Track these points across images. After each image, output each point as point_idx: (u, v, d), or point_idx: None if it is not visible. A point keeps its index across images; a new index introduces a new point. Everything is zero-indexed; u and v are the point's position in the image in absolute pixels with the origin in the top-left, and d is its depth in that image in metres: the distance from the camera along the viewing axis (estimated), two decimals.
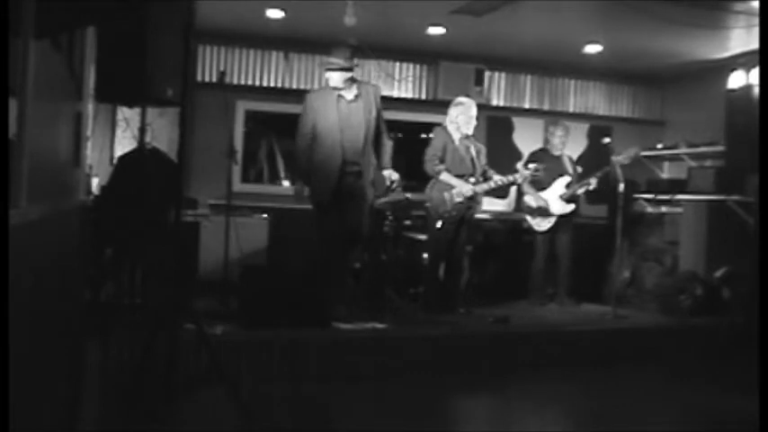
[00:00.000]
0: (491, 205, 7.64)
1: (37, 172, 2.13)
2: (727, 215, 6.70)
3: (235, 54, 7.39)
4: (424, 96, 7.91)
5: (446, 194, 5.66)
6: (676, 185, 7.36)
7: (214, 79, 7.19)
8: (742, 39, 6.46)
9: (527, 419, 4.28)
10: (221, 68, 7.02)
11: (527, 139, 7.84)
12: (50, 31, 2.33)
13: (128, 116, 6.14)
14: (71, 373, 3.71)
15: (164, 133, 6.49)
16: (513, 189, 7.52)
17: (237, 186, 6.66)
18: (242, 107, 7.39)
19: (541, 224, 6.47)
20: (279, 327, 4.72)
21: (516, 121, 8.14)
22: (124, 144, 6.64)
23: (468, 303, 5.91)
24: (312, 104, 5.27)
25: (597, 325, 5.85)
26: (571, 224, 6.50)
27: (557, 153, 6.58)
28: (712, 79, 7.41)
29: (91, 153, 5.54)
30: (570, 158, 6.69)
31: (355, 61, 5.28)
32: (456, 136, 5.79)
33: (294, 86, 7.45)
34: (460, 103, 5.83)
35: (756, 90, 6.47)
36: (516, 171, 5.90)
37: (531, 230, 6.59)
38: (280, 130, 7.65)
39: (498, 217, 7.64)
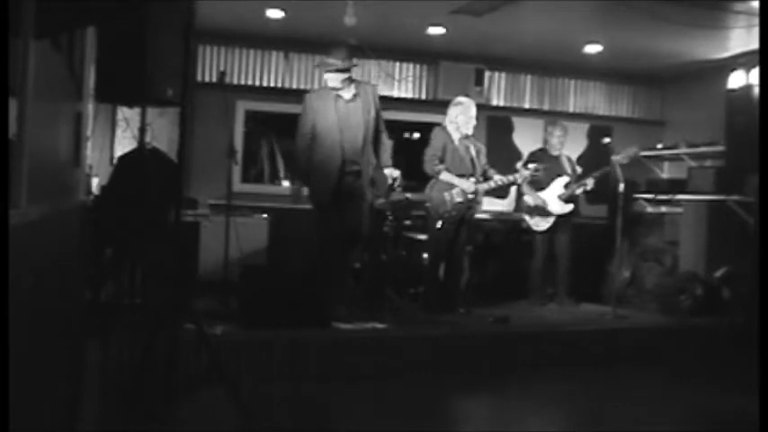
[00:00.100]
0: (491, 205, 7.64)
1: (37, 172, 2.13)
2: (727, 215, 6.70)
3: (235, 54, 7.39)
4: (424, 96, 7.91)
5: (446, 194, 5.66)
6: (676, 185, 7.36)
7: (214, 79, 7.19)
8: (742, 39, 6.46)
9: (527, 419, 4.28)
10: (221, 68, 7.02)
11: (527, 139, 7.84)
12: (50, 31, 2.33)
13: (128, 116, 6.14)
14: (71, 373, 3.71)
15: (164, 133, 6.49)
16: (514, 189, 7.52)
17: (237, 186, 6.66)
18: (242, 107, 7.39)
19: (540, 224, 6.47)
20: (279, 327, 4.72)
21: (516, 121, 8.14)
22: (124, 144, 6.64)
23: (468, 303, 5.91)
24: (311, 105, 5.28)
25: (597, 325, 5.85)
26: (570, 224, 6.50)
27: (555, 153, 6.58)
28: (712, 79, 7.41)
29: (91, 153, 5.54)
30: (569, 158, 6.69)
31: (353, 61, 5.29)
32: (456, 136, 5.79)
33: (294, 86, 7.45)
34: (460, 103, 5.83)
35: (756, 90, 6.47)
36: (516, 171, 5.90)
37: (530, 230, 6.59)
38: (280, 130, 7.65)
39: (498, 217, 7.64)
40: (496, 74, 8.13)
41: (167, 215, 5.02)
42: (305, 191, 5.41)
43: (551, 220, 6.43)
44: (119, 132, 6.86)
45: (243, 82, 7.39)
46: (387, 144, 5.48)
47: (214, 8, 5.88)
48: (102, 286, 5.24)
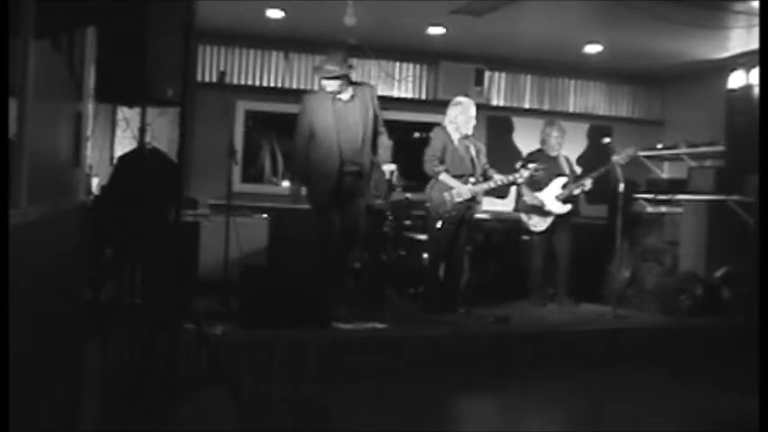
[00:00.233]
0: (491, 205, 7.64)
1: (37, 172, 2.12)
2: (728, 215, 6.70)
3: (235, 54, 7.39)
4: (424, 96, 7.91)
5: (446, 195, 5.66)
6: (676, 185, 7.36)
7: (214, 79, 7.19)
8: (742, 39, 6.46)
9: (527, 419, 4.28)
10: (221, 68, 7.02)
11: (527, 139, 7.83)
12: (50, 31, 2.33)
13: (128, 116, 6.14)
14: (71, 373, 3.71)
15: (164, 133, 6.49)
16: (514, 189, 7.52)
17: (237, 186, 6.67)
18: (242, 107, 7.39)
19: (539, 224, 6.47)
20: (279, 327, 4.72)
21: (516, 121, 8.14)
22: (124, 144, 6.64)
23: (468, 303, 5.91)
24: (309, 105, 5.33)
25: (597, 325, 5.84)
26: (569, 224, 6.50)
27: (553, 153, 6.57)
28: (712, 79, 7.41)
29: (91, 153, 5.54)
30: (567, 159, 6.68)
31: (350, 65, 5.33)
32: (455, 136, 5.79)
33: (294, 86, 7.45)
34: (459, 103, 5.83)
35: (756, 90, 6.47)
36: (516, 171, 5.90)
37: (530, 231, 6.59)
38: (280, 130, 7.66)
39: (498, 217, 7.64)
40: (496, 74, 8.12)
41: (167, 215, 5.02)
42: (303, 191, 5.42)
43: (550, 220, 6.43)
44: (119, 132, 6.86)
45: (243, 82, 7.39)
46: (386, 144, 5.49)
47: (214, 8, 5.88)
48: (102, 286, 5.24)
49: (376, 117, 5.41)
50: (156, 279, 5.04)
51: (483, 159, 5.91)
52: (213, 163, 6.56)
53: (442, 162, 5.71)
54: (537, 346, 5.29)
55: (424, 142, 5.91)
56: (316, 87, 7.03)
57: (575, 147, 8.01)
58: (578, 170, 6.88)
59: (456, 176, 5.70)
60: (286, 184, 7.65)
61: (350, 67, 5.32)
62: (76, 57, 3.46)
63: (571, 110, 8.39)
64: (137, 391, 3.48)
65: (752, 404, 3.34)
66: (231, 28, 7.00)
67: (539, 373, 5.06)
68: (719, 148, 6.97)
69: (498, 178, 5.80)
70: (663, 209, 7.81)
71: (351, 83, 5.35)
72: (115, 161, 6.31)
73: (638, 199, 7.80)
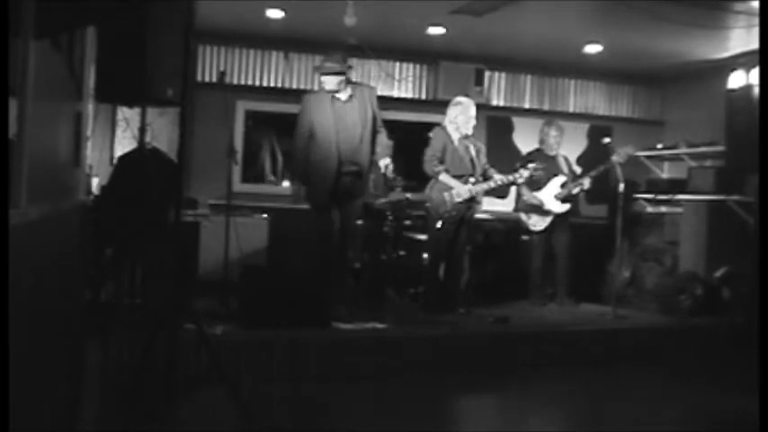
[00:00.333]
0: (491, 205, 7.64)
1: (37, 172, 2.12)
2: (728, 215, 6.70)
3: (235, 54, 7.39)
4: (424, 96, 7.91)
5: (446, 195, 5.66)
6: (676, 185, 7.36)
7: (214, 79, 7.19)
8: (742, 39, 6.46)
9: (527, 419, 4.28)
10: (221, 68, 7.02)
11: (527, 139, 7.83)
12: (50, 31, 2.33)
13: (128, 116, 6.13)
14: (71, 373, 3.71)
15: (164, 133, 6.49)
16: (514, 189, 7.51)
17: (237, 186, 6.66)
18: (242, 107, 7.39)
19: (538, 224, 6.47)
20: (279, 327, 4.72)
21: (516, 121, 8.14)
22: (124, 144, 6.64)
23: (468, 303, 5.91)
24: (308, 105, 5.37)
25: (597, 325, 5.84)
26: (568, 224, 6.49)
27: (552, 153, 6.57)
28: (712, 79, 7.41)
29: (91, 153, 5.54)
30: (565, 158, 6.68)
31: (349, 64, 5.36)
32: (455, 136, 5.79)
33: (294, 86, 7.45)
34: (459, 103, 5.83)
35: (756, 90, 6.47)
36: (516, 171, 5.89)
37: (530, 230, 6.59)
38: (280, 130, 7.65)
39: (498, 217, 7.64)
40: (496, 74, 8.12)
41: (167, 215, 5.02)
42: (304, 190, 5.43)
43: (549, 219, 6.43)
44: (119, 132, 6.86)
45: (243, 82, 7.39)
46: (384, 142, 5.49)
47: (214, 8, 5.88)
48: (102, 286, 5.24)
49: (375, 117, 5.42)
50: (156, 279, 5.04)
51: (483, 159, 5.91)
52: (213, 163, 6.56)
53: (441, 162, 5.71)
54: (537, 346, 5.29)
55: (424, 142, 5.91)
56: (316, 87, 7.04)
57: (575, 147, 8.01)
58: (578, 170, 6.87)
59: (456, 176, 5.70)
60: (286, 184, 7.65)
61: (349, 66, 5.35)
62: (76, 57, 3.46)
63: (571, 110, 8.39)
64: (137, 391, 3.48)
65: (752, 404, 3.34)
66: (231, 28, 7.00)
67: (539, 373, 5.06)
68: (719, 148, 6.97)
69: (498, 178, 5.80)
70: (663, 209, 7.81)
71: (349, 82, 5.38)
72: (115, 161, 6.31)
73: (638, 199, 7.80)
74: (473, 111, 5.80)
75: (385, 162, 5.37)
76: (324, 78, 5.30)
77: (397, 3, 5.91)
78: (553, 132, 6.57)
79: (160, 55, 3.42)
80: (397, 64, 7.83)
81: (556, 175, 6.47)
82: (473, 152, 5.81)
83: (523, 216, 6.54)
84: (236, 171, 6.82)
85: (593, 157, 7.55)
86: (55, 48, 2.59)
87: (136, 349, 3.81)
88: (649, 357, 5.55)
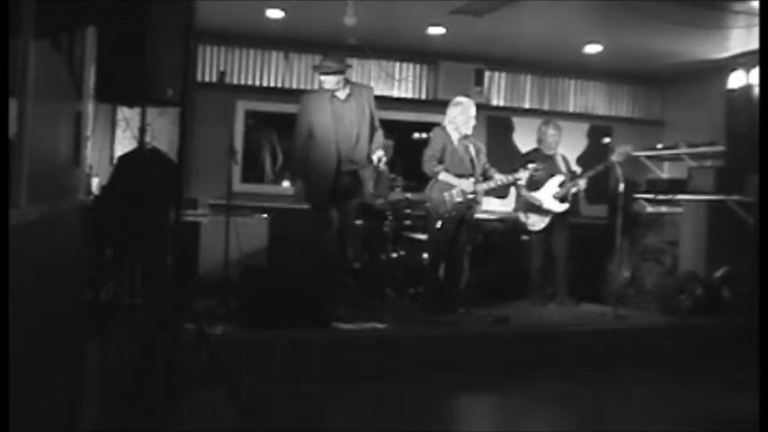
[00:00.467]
0: (491, 205, 7.64)
1: (37, 172, 2.12)
2: (728, 215, 6.70)
3: (235, 54, 7.39)
4: (424, 96, 7.91)
5: (446, 194, 5.66)
6: (676, 185, 7.36)
7: (214, 79, 7.19)
8: (742, 39, 6.46)
9: (527, 419, 4.29)
10: (221, 68, 7.03)
11: (527, 138, 7.83)
12: (50, 31, 2.33)
13: (128, 116, 6.14)
14: (71, 373, 3.71)
15: (164, 133, 6.49)
16: (513, 189, 7.52)
17: (237, 186, 6.67)
18: (242, 107, 7.39)
19: (537, 224, 6.46)
20: (279, 327, 4.72)
21: (516, 121, 8.14)
22: (124, 144, 6.65)
23: (468, 303, 5.91)
24: (307, 105, 5.40)
25: (597, 325, 5.84)
26: (567, 223, 6.49)
27: (550, 152, 6.56)
28: (712, 79, 7.42)
29: (91, 153, 5.54)
30: (564, 158, 6.67)
31: (348, 63, 5.38)
32: (455, 136, 5.78)
33: (294, 86, 7.46)
34: (459, 103, 5.82)
35: (756, 90, 6.47)
36: (516, 171, 5.89)
37: (529, 230, 6.59)
38: (280, 130, 7.66)
39: (498, 217, 7.64)
40: (496, 74, 8.13)
41: (167, 215, 5.02)
42: (305, 190, 5.44)
43: (547, 219, 6.42)
44: (119, 132, 6.86)
45: (243, 82, 7.40)
46: (380, 139, 5.48)
47: (214, 8, 5.88)
48: (102, 286, 5.24)
49: (372, 117, 5.44)
50: (156, 279, 5.04)
51: (483, 159, 5.91)
52: (213, 163, 6.56)
53: (441, 162, 5.71)
54: (537, 346, 5.29)
55: (423, 142, 5.91)
56: (316, 87, 7.05)
57: (575, 147, 8.01)
58: (578, 170, 6.87)
59: (456, 176, 5.69)
60: (286, 184, 7.66)
61: (348, 66, 5.37)
62: (76, 57, 3.46)
63: (571, 110, 8.39)
64: (137, 391, 3.48)
65: (752, 404, 3.34)
66: (231, 28, 7.00)
67: (539, 373, 5.06)
68: (719, 148, 6.97)
69: (499, 178, 5.80)
70: (663, 209, 7.81)
71: (348, 82, 5.39)
72: (115, 161, 6.31)
73: (638, 199, 7.80)
74: (473, 111, 5.80)
75: (378, 155, 5.35)
76: (323, 78, 5.32)
77: (397, 3, 5.91)
78: (551, 132, 6.56)
79: (160, 55, 3.42)
80: (397, 64, 7.83)
81: (554, 174, 6.46)
82: (473, 152, 5.80)
83: (522, 216, 6.54)
84: (236, 171, 6.82)
85: (594, 157, 7.56)
86: (55, 48, 2.59)
87: (136, 349, 3.81)
88: (649, 357, 5.55)
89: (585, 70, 8.19)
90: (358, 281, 6.10)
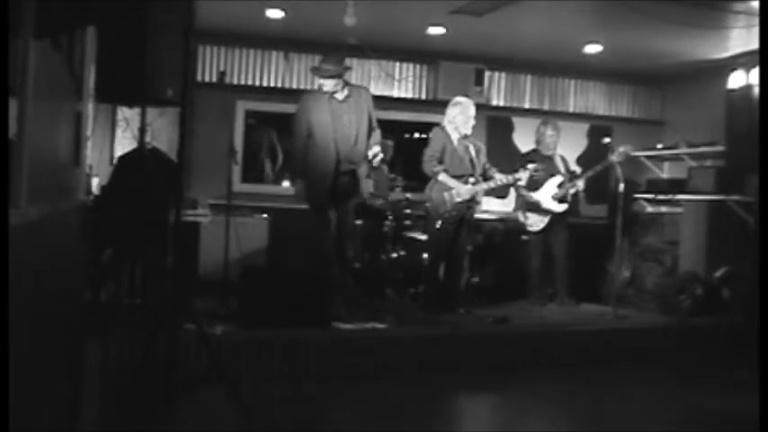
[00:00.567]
0: (491, 205, 7.64)
1: (37, 172, 2.12)
2: (728, 215, 6.70)
3: (235, 54, 7.39)
4: (424, 96, 7.91)
5: (446, 195, 5.66)
6: (676, 185, 7.35)
7: (214, 79, 7.19)
8: (742, 39, 6.46)
9: (527, 419, 4.28)
10: (221, 68, 7.03)
11: (527, 138, 7.83)
12: (50, 31, 2.33)
13: (128, 116, 6.14)
14: (71, 373, 3.71)
15: (164, 133, 6.49)
16: (513, 189, 7.52)
17: (237, 186, 6.66)
18: (242, 107, 7.39)
19: (536, 224, 6.46)
20: (279, 327, 4.72)
21: (516, 121, 8.14)
22: (124, 144, 6.65)
23: (468, 303, 5.91)
24: (306, 105, 5.40)
25: (597, 325, 5.84)
26: (566, 223, 6.49)
27: (549, 153, 6.55)
28: (712, 79, 7.42)
29: (91, 153, 5.54)
30: (563, 158, 6.67)
31: (347, 65, 5.39)
32: (455, 136, 5.78)
33: (294, 86, 7.46)
34: (458, 103, 5.82)
35: (756, 90, 6.47)
36: (516, 171, 5.88)
37: (529, 230, 6.59)
38: (280, 130, 7.66)
39: (498, 217, 7.64)
40: (496, 74, 8.13)
41: (167, 215, 5.02)
42: (305, 189, 5.44)
43: (547, 219, 6.42)
44: (119, 132, 6.86)
45: (243, 82, 7.40)
46: (377, 136, 5.48)
47: (214, 8, 5.87)
48: (102, 286, 5.24)
49: (370, 118, 5.44)
50: (156, 279, 5.04)
51: (483, 159, 5.91)
52: (213, 163, 6.56)
53: (441, 162, 5.71)
54: (537, 346, 5.29)
55: (423, 142, 5.91)
56: (316, 86, 7.06)
57: (575, 147, 8.02)
58: (578, 170, 6.87)
59: (456, 176, 5.69)
60: (286, 183, 7.66)
61: (346, 67, 5.37)
62: (76, 57, 3.46)
63: (571, 110, 8.39)
64: (137, 391, 3.48)
65: (752, 404, 3.34)
66: (231, 28, 7.00)
67: (539, 373, 5.06)
68: (719, 148, 6.97)
69: (499, 178, 5.80)
70: (663, 209, 7.81)
71: (346, 83, 5.40)
72: (115, 161, 6.31)
73: (638, 199, 7.80)
74: (472, 111, 5.80)
75: (374, 151, 5.34)
76: (321, 81, 5.33)
77: (397, 3, 5.91)
78: (549, 132, 6.56)
79: (160, 55, 3.42)
80: (397, 64, 7.83)
81: (553, 175, 6.46)
82: (473, 152, 5.80)
83: (521, 216, 6.54)
84: (236, 171, 6.82)
85: (594, 157, 7.57)
86: (55, 48, 2.59)
87: (136, 349, 3.81)
88: (649, 357, 5.55)
89: (585, 70, 8.19)
90: (358, 281, 6.10)
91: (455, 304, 5.83)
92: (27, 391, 2.00)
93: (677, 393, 4.81)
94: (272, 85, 7.50)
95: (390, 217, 6.31)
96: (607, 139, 6.69)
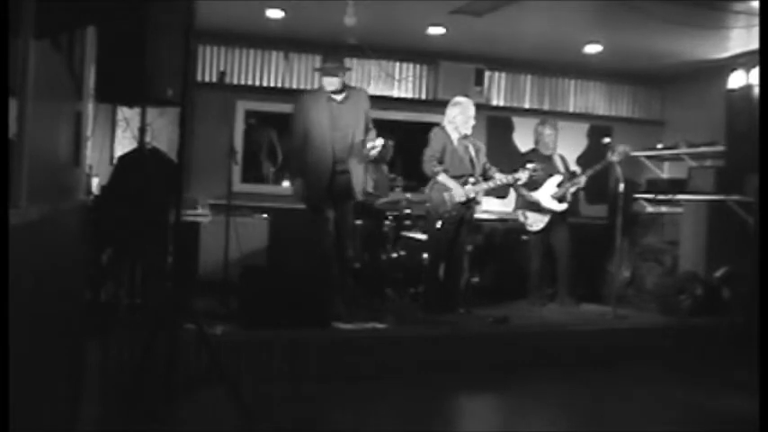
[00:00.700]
0: (491, 205, 7.64)
1: (37, 172, 2.12)
2: (728, 215, 6.70)
3: (235, 54, 7.39)
4: (424, 96, 7.91)
5: (446, 195, 5.66)
6: (676, 185, 7.36)
7: (214, 79, 7.19)
8: (742, 39, 6.46)
9: (527, 419, 4.28)
10: (221, 68, 7.03)
11: (527, 138, 7.83)
12: (50, 31, 2.33)
13: (128, 116, 6.14)
14: (71, 373, 3.71)
15: (164, 133, 6.49)
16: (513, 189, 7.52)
17: (237, 186, 6.66)
18: (242, 107, 7.39)
19: (535, 224, 6.46)
20: (279, 327, 4.72)
21: (516, 121, 8.14)
22: (124, 144, 6.65)
23: (468, 303, 5.91)
24: (305, 104, 5.40)
25: (597, 325, 5.84)
26: (566, 223, 6.49)
27: (548, 152, 6.55)
28: (712, 79, 7.42)
29: (91, 153, 5.54)
30: (562, 157, 6.67)
31: (347, 66, 5.38)
32: (454, 136, 5.78)
33: (294, 86, 7.46)
34: (458, 103, 5.82)
35: (756, 90, 6.47)
36: (516, 171, 5.88)
37: (529, 230, 6.59)
38: (280, 130, 7.66)
39: (498, 217, 7.64)
40: (496, 74, 8.13)
41: (167, 215, 5.02)
42: (304, 188, 5.44)
43: (546, 219, 6.42)
44: (119, 132, 6.87)
45: (243, 82, 7.40)
46: (373, 135, 5.47)
47: (214, 8, 5.88)
48: (102, 286, 5.24)
49: (367, 120, 5.45)
50: (156, 279, 5.04)
51: (483, 159, 5.91)
52: (213, 163, 6.56)
53: (441, 162, 5.71)
54: (537, 346, 5.29)
55: (423, 142, 5.91)
56: (316, 86, 7.05)
57: (575, 147, 8.02)
58: (578, 170, 6.87)
59: (456, 176, 5.69)
60: (286, 183, 7.66)
61: (348, 68, 5.38)
62: (76, 57, 3.46)
63: (571, 110, 8.39)
64: (137, 391, 3.48)
65: (752, 404, 3.34)
66: (231, 28, 7.00)
67: (539, 373, 5.06)
68: (719, 148, 6.97)
69: (499, 178, 5.80)
70: (663, 209, 7.81)
71: (345, 85, 5.41)
72: (115, 161, 6.31)
73: (638, 199, 7.80)
74: (472, 111, 5.80)
75: (372, 144, 5.32)
76: (325, 80, 5.32)
77: (397, 3, 5.92)
78: (547, 132, 6.56)
79: (160, 55, 3.42)
80: (397, 64, 7.84)
81: (552, 174, 6.46)
82: (473, 152, 5.80)
83: (521, 216, 6.54)
84: (236, 171, 6.82)
85: (594, 156, 7.56)
86: (55, 48, 2.59)
87: (136, 349, 3.81)
88: (649, 357, 5.55)
89: (585, 70, 8.19)
90: (358, 281, 6.10)
91: (455, 304, 5.82)
92: (27, 391, 2.00)
93: (677, 393, 4.81)
94: (271, 85, 7.50)
95: (390, 217, 6.31)
96: (607, 139, 6.69)
